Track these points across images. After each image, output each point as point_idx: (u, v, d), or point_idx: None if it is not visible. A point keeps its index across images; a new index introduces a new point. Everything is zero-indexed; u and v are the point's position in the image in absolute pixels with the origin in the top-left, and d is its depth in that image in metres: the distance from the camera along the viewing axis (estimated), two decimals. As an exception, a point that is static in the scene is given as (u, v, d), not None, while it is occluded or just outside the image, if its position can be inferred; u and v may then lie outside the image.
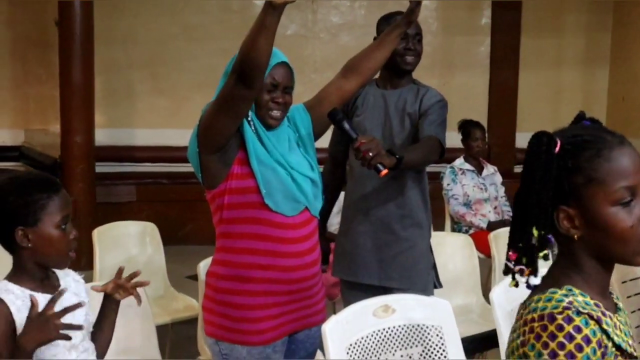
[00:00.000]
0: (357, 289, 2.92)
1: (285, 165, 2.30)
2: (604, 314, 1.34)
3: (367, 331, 2.23)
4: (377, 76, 2.98)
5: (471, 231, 4.99)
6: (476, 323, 3.75)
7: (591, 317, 1.30)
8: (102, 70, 6.78)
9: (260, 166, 2.26)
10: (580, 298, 1.34)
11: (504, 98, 7.73)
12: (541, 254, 1.37)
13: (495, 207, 5.19)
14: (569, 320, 1.29)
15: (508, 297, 2.42)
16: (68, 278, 2.08)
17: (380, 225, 2.92)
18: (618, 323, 1.40)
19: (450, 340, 2.34)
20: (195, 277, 3.19)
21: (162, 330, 3.46)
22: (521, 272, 1.38)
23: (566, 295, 1.34)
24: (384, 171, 2.38)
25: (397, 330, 2.29)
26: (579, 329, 1.28)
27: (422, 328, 2.32)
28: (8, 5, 7.61)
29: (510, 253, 1.41)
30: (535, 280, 1.43)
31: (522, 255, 1.39)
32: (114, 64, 7.39)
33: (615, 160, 1.34)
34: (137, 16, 7.51)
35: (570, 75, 7.99)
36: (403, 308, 2.33)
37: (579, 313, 1.30)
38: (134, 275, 2.15)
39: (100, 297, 2.19)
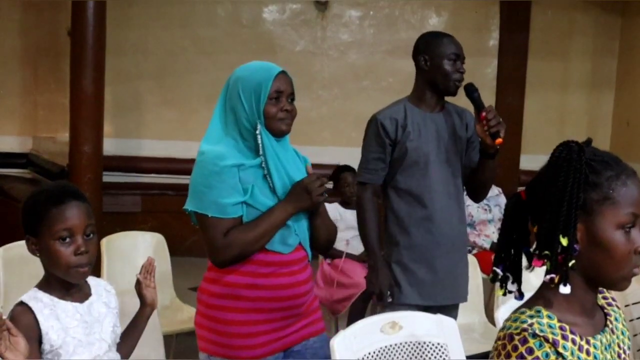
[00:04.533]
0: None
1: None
2: (565, 338, 1.40)
3: (374, 347, 2.25)
4: (411, 96, 2.98)
5: (474, 251, 5.01)
6: (478, 342, 3.77)
7: (546, 340, 1.38)
8: (111, 81, 6.78)
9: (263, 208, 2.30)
10: (544, 320, 1.42)
11: (510, 120, 7.59)
12: (570, 264, 1.41)
13: (499, 228, 5.19)
14: (524, 341, 1.39)
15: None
16: (99, 287, 2.09)
17: (452, 245, 2.94)
18: (599, 344, 1.46)
19: (455, 358, 2.36)
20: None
21: (166, 341, 3.47)
22: (551, 281, 1.42)
23: (532, 317, 1.43)
24: (500, 139, 2.72)
25: (404, 346, 2.32)
26: (530, 351, 1.37)
27: (428, 345, 2.34)
28: (21, 13, 7.66)
29: (534, 260, 1.46)
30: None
31: (552, 263, 1.42)
32: (123, 75, 7.43)
33: (630, 187, 1.43)
34: (148, 27, 7.55)
35: (576, 99, 8.01)
36: (410, 325, 2.35)
37: (534, 335, 1.38)
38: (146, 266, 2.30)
39: (129, 308, 2.22)
